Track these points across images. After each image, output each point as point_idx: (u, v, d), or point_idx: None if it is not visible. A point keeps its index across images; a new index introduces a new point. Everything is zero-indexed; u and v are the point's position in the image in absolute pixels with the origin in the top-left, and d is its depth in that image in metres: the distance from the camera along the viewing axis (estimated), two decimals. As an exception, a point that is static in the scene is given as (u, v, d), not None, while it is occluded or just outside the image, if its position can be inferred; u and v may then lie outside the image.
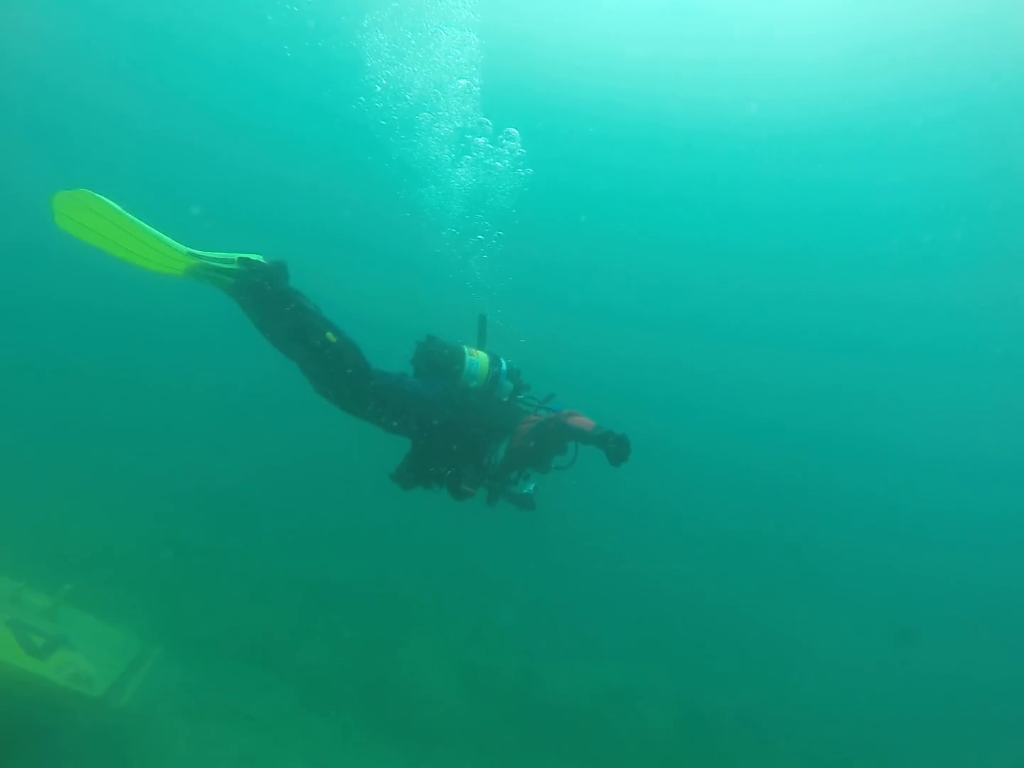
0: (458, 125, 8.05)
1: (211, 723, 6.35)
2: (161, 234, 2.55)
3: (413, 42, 8.16)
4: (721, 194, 21.35)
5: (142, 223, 2.51)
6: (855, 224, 20.76)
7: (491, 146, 7.91)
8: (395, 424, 3.38)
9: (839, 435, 21.78)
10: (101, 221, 2.42)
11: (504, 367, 3.63)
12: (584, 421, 3.43)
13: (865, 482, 20.87)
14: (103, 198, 2.42)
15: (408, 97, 8.28)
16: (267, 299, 2.72)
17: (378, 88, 8.59)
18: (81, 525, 7.98)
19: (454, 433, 3.38)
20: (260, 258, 2.74)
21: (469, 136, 7.92)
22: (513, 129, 8.02)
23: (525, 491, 3.70)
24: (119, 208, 2.45)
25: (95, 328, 14.49)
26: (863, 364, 21.94)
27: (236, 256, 2.70)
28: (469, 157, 7.97)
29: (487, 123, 8.05)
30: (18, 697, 4.46)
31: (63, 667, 4.71)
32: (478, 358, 3.54)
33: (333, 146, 20.51)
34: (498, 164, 7.85)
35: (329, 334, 2.84)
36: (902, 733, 9.85)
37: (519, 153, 7.98)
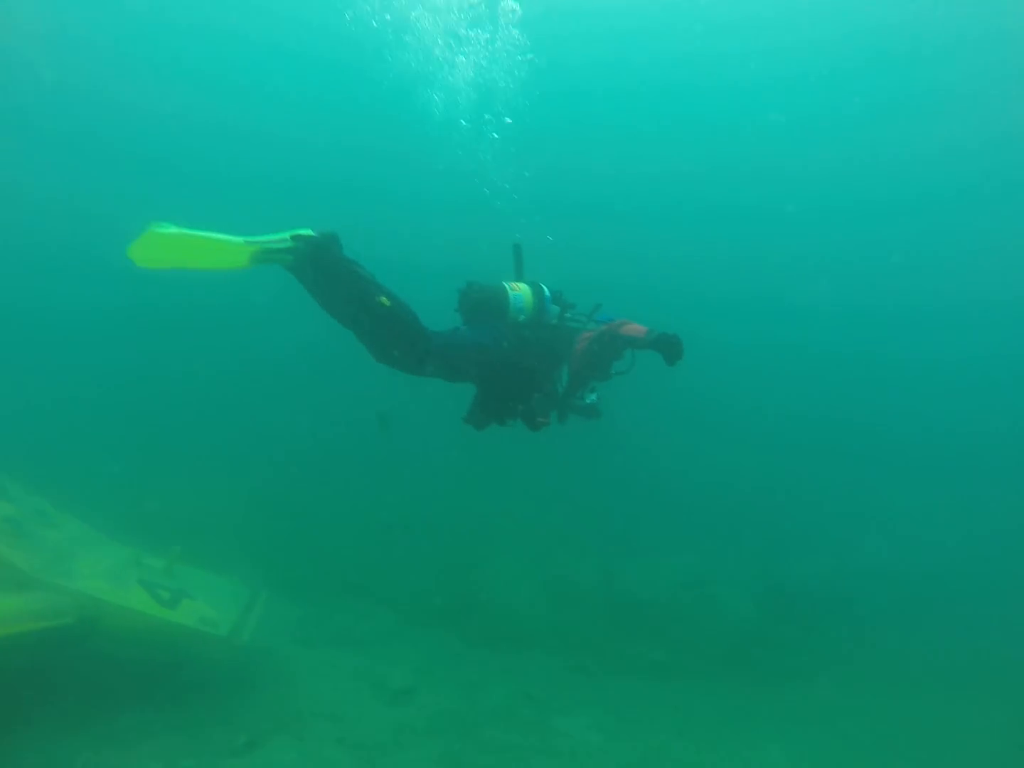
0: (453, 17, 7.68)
1: (324, 649, 7.05)
2: (220, 235, 2.67)
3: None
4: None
5: (203, 233, 2.64)
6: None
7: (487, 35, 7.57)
8: (457, 376, 3.51)
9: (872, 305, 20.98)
10: (171, 250, 2.57)
11: (547, 292, 3.64)
12: (635, 328, 3.47)
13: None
14: (167, 231, 2.55)
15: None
16: (321, 269, 2.83)
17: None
18: (175, 493, 8.66)
19: (516, 371, 3.46)
20: (310, 232, 2.84)
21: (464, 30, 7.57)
22: (512, 3, 7.59)
23: (589, 401, 3.82)
24: (182, 231, 2.58)
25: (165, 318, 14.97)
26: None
27: (288, 235, 2.81)
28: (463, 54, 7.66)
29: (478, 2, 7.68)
30: (158, 641, 5.06)
31: (190, 614, 5.28)
32: (520, 291, 3.53)
33: (332, 81, 19.72)
34: (487, 37, 7.53)
35: (383, 298, 2.92)
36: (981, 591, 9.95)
37: (516, 35, 7.60)
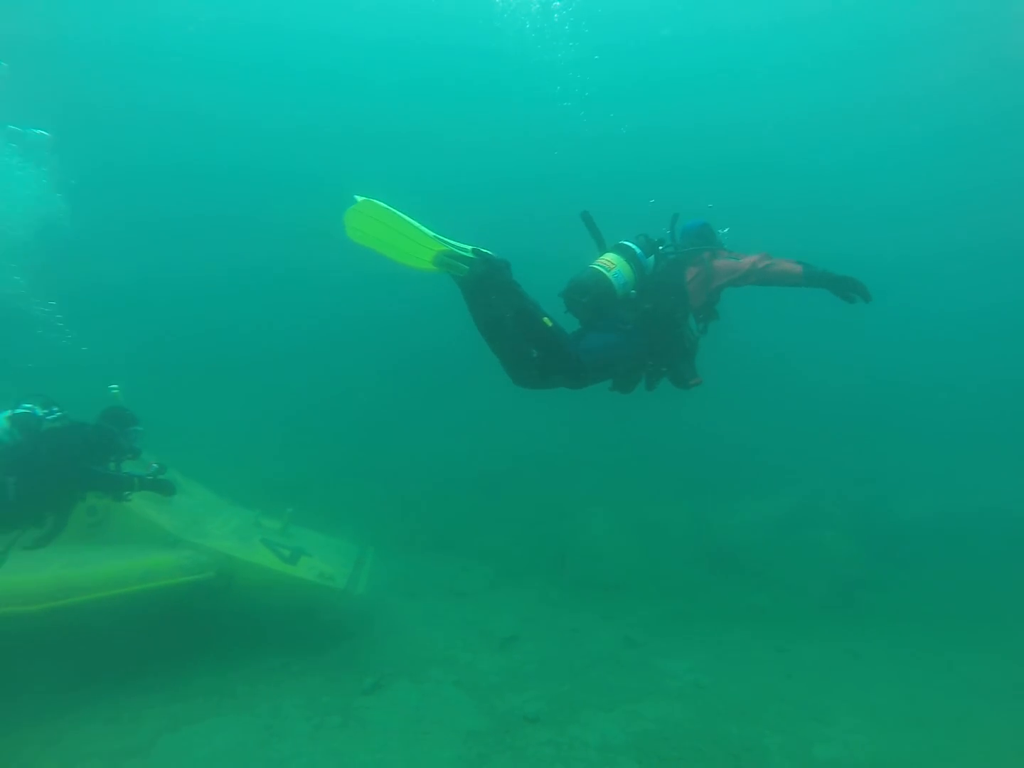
0: None
1: (429, 601, 7.41)
2: (417, 223, 2.78)
3: None
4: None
5: (406, 216, 2.77)
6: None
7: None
8: (611, 376, 3.45)
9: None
10: (377, 225, 2.75)
11: (636, 249, 3.38)
12: (789, 266, 3.27)
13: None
14: (381, 204, 2.73)
15: None
16: (491, 287, 2.88)
17: None
18: (282, 463, 9.24)
19: (654, 352, 3.37)
20: (491, 252, 2.91)
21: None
22: None
23: None
24: (391, 208, 2.74)
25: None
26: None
27: (470, 247, 2.89)
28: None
29: None
30: (284, 593, 5.48)
31: (310, 569, 5.66)
32: (616, 267, 3.28)
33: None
34: None
35: (545, 319, 2.94)
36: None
37: None
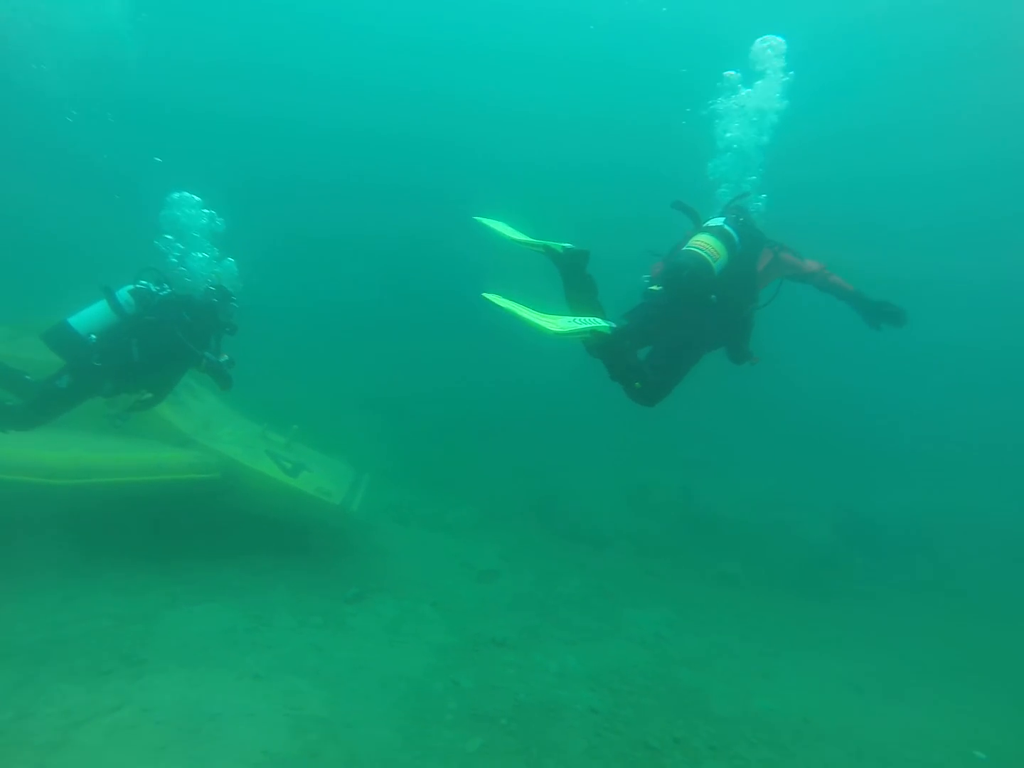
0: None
1: (418, 530, 7.81)
2: (535, 318, 2.89)
3: None
4: None
5: (524, 313, 2.90)
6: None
7: None
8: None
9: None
10: (506, 307, 2.88)
11: (733, 233, 3.25)
12: (842, 282, 3.57)
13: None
14: (500, 302, 2.88)
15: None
16: (606, 357, 3.12)
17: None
18: (291, 385, 9.55)
19: (724, 335, 3.44)
20: (606, 328, 2.99)
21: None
22: None
23: None
24: (511, 305, 2.88)
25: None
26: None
27: (588, 329, 2.94)
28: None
29: None
30: (282, 502, 5.83)
31: (309, 483, 5.99)
32: (721, 257, 3.17)
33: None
34: None
35: (637, 384, 3.13)
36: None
37: None
